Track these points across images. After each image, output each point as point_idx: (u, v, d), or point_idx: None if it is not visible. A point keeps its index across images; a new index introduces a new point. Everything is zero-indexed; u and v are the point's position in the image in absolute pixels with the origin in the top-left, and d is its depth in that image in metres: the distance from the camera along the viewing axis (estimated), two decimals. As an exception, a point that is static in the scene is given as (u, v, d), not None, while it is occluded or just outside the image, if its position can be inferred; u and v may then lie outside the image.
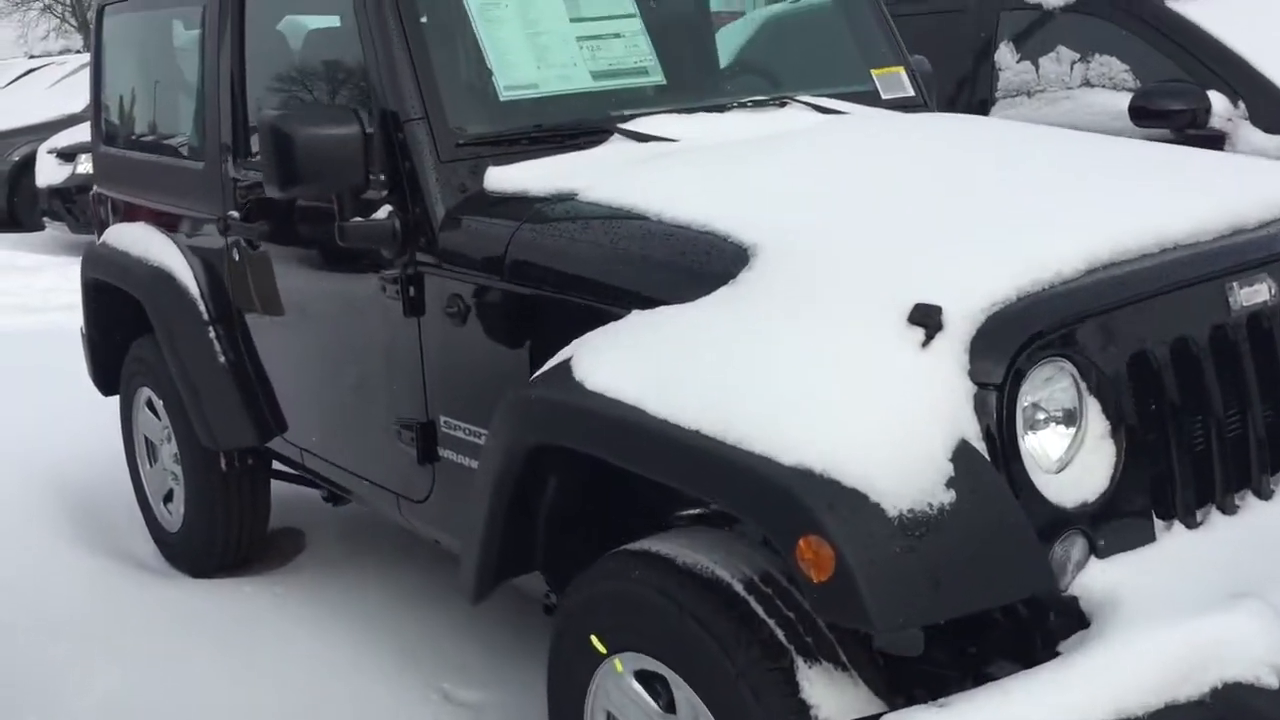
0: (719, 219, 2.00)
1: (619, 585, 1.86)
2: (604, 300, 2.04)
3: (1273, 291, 1.87)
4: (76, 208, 9.51)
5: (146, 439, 3.65)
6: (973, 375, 1.60)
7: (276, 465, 3.36)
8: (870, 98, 2.97)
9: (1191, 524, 1.75)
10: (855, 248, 1.83)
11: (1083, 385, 1.67)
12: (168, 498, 3.61)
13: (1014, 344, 1.62)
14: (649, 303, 1.94)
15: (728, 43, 3.61)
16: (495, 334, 2.27)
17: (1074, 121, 3.98)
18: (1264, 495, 1.83)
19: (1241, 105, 3.66)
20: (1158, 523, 1.72)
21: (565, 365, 1.89)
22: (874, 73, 3.04)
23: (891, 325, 1.64)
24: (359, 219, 2.42)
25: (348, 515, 3.68)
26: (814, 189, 2.09)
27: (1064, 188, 2.03)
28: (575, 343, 1.97)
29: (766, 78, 3.12)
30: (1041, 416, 1.67)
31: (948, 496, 1.50)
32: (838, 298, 1.72)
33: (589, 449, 1.80)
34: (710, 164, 2.31)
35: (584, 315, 2.05)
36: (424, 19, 2.48)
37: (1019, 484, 1.60)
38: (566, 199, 2.26)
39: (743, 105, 2.71)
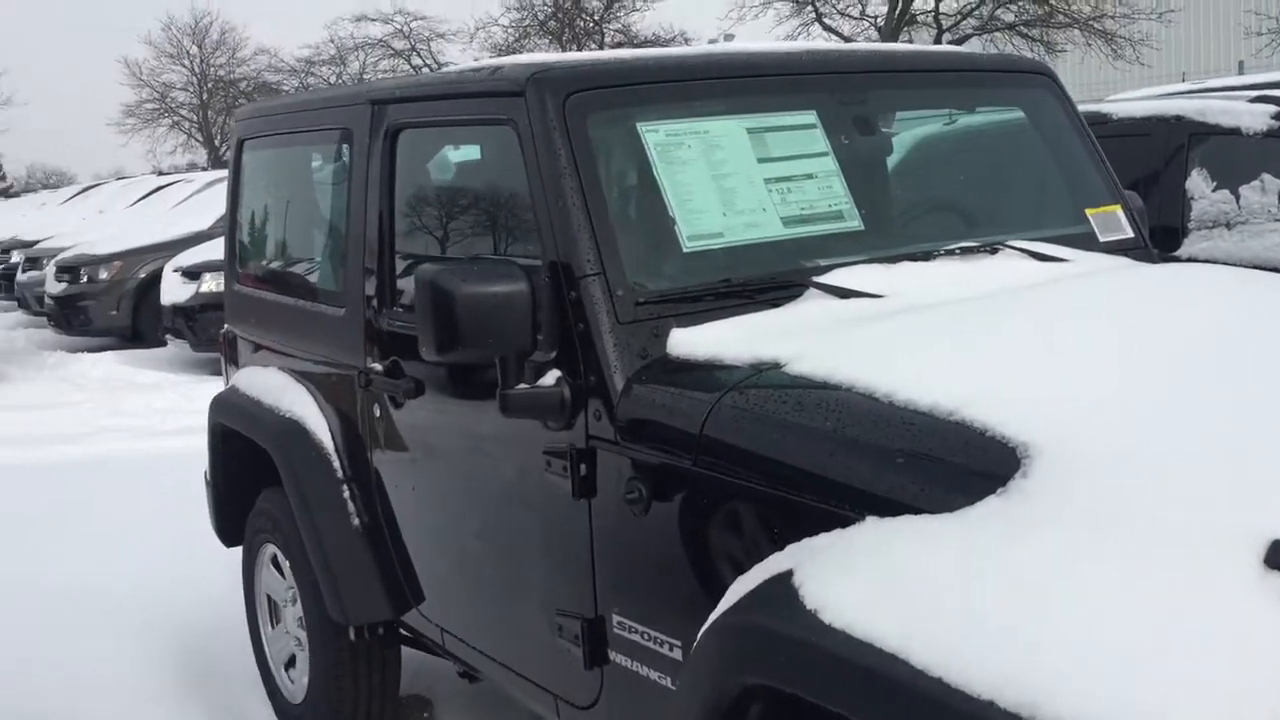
0: (970, 404, 1.66)
1: None
2: (828, 500, 1.70)
3: None
4: (198, 325, 9.57)
5: (270, 598, 3.39)
6: (1363, 641, 1.22)
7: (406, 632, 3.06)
8: (1084, 241, 2.63)
9: None
10: (1163, 452, 1.47)
11: None
12: (290, 663, 3.32)
13: None
14: (888, 507, 1.60)
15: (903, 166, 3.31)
16: (685, 526, 1.95)
17: (1285, 256, 3.59)
18: None
19: None
20: None
21: (789, 585, 1.55)
22: (1089, 212, 2.70)
23: (1240, 569, 1.27)
24: (524, 386, 2.14)
25: (479, 689, 3.35)
26: (1081, 367, 1.74)
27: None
28: (795, 552, 1.63)
29: (961, 217, 2.80)
30: None
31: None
32: (1155, 524, 1.36)
33: (833, 706, 1.44)
34: (936, 329, 1.98)
35: (801, 515, 1.72)
36: (601, 163, 2.22)
37: None
38: (770, 369, 1.95)
39: (950, 253, 2.38)
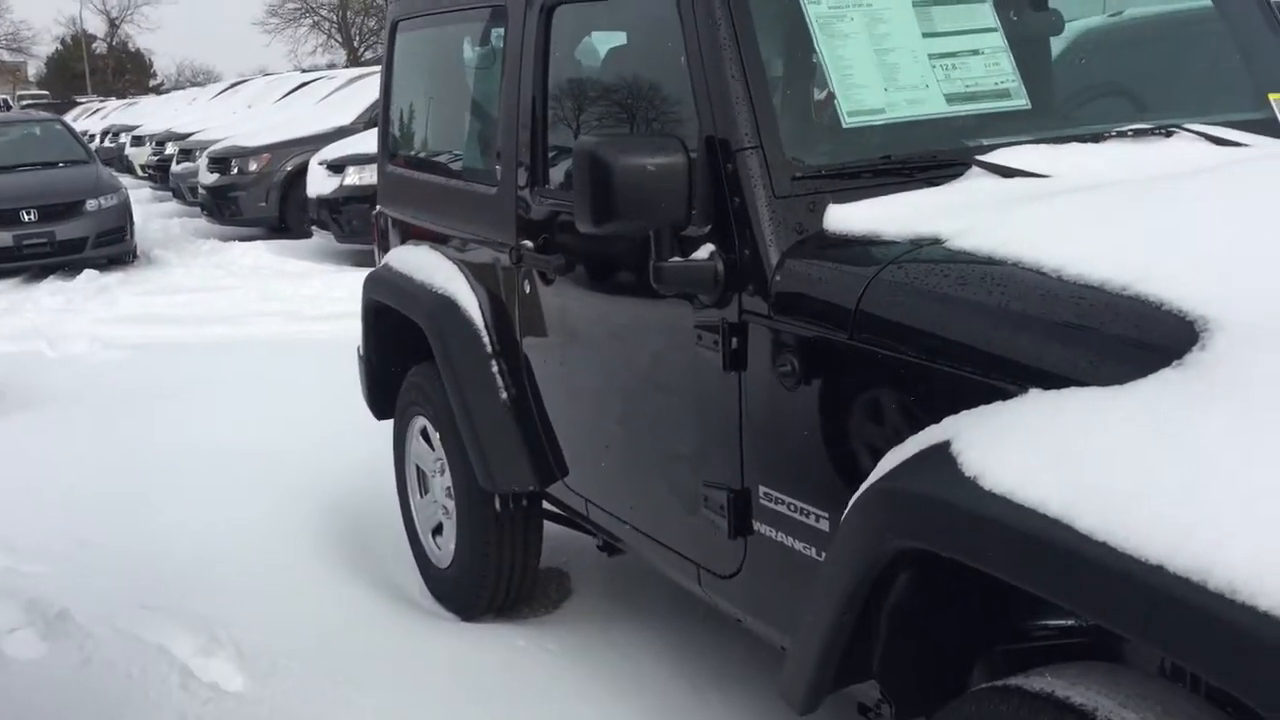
0: (1145, 279, 1.61)
1: (1006, 732, 1.49)
2: (989, 373, 1.67)
3: None
4: (342, 217, 9.84)
5: (419, 469, 3.52)
6: None
7: (549, 506, 3.15)
8: (1265, 127, 2.49)
9: None
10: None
11: None
12: (437, 530, 3.46)
13: None
14: (1053, 380, 1.57)
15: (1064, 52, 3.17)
16: (837, 399, 1.95)
17: None
18: None
19: None
20: None
21: (947, 453, 1.55)
22: (1272, 98, 2.55)
23: None
24: (678, 259, 2.15)
25: (617, 562, 3.44)
26: (1257, 245, 1.66)
27: None
28: (953, 423, 1.62)
29: (1133, 100, 2.67)
30: None
31: None
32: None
33: (994, 569, 1.44)
34: (1108, 206, 1.91)
35: (959, 388, 1.70)
36: (761, 34, 2.19)
37: None
38: (931, 245, 1.91)
39: (1122, 134, 2.29)
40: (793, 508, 2.05)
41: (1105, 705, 1.41)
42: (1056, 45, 3.54)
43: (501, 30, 2.98)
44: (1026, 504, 1.39)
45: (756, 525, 2.15)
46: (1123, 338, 1.56)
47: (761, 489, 2.12)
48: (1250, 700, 1.19)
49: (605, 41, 2.92)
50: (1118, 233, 1.79)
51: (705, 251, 2.16)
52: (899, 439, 1.74)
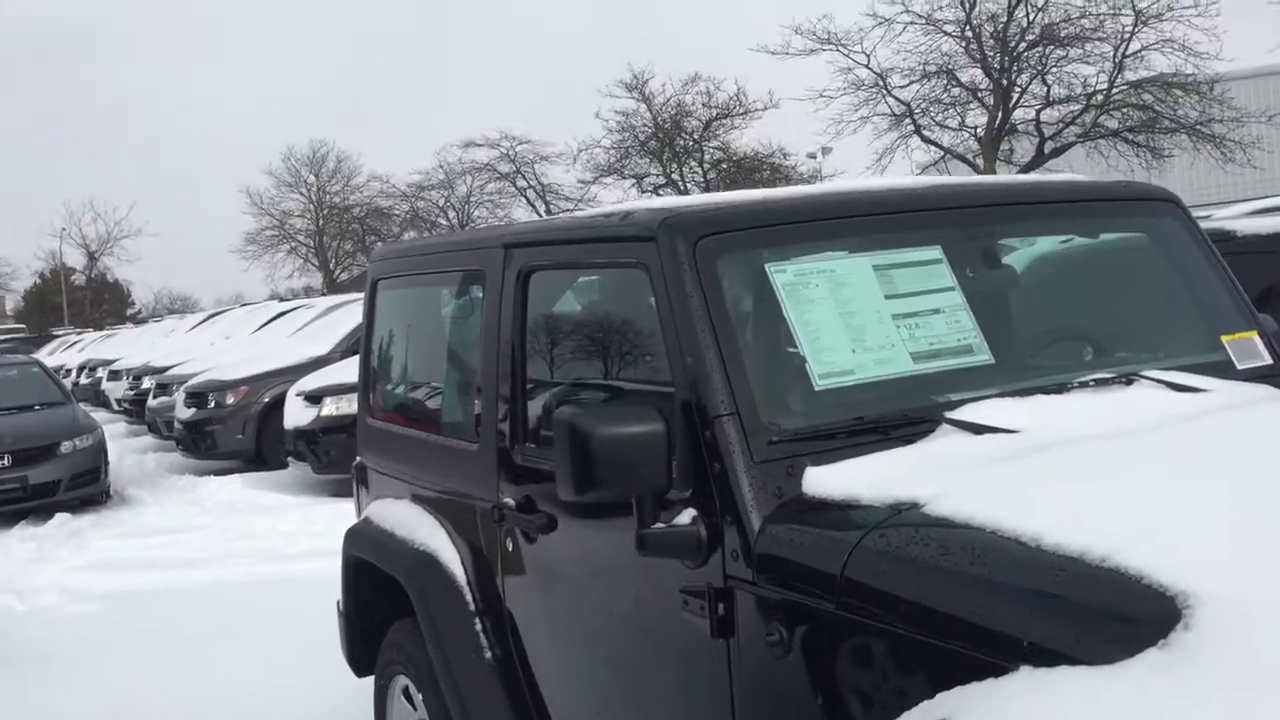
0: (1122, 550, 1.63)
1: None
2: (976, 646, 1.68)
3: None
4: (320, 448, 9.85)
5: (400, 730, 3.42)
6: None
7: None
8: (1221, 369, 2.58)
9: None
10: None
11: None
12: (420, 797, 3.33)
13: None
14: (1041, 656, 1.57)
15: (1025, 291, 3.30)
16: (828, 669, 1.93)
17: None
18: None
19: None
20: None
21: (941, 737, 1.53)
22: (1224, 339, 2.65)
23: None
24: (660, 525, 2.17)
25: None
26: (1239, 509, 1.71)
27: None
28: (945, 700, 1.61)
29: (1090, 344, 2.77)
30: None
31: None
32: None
33: None
34: (1080, 467, 1.96)
35: (949, 661, 1.70)
36: (731, 304, 2.28)
37: None
38: (910, 510, 1.94)
39: (1084, 384, 2.37)
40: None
41: None
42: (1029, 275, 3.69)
43: (480, 290, 3.08)
44: (1028, 797, 1.38)
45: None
46: (1106, 613, 1.58)
47: (761, 761, 2.08)
48: None
49: (583, 301, 3.03)
50: (1092, 497, 1.83)
51: (687, 516, 2.18)
52: (892, 711, 1.73)
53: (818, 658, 1.95)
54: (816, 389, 2.25)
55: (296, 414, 10.14)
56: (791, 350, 2.28)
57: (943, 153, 24.24)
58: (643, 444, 2.12)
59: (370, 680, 3.60)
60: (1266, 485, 1.78)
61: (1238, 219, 5.16)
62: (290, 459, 10.28)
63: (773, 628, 2.01)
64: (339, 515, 7.85)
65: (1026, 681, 1.54)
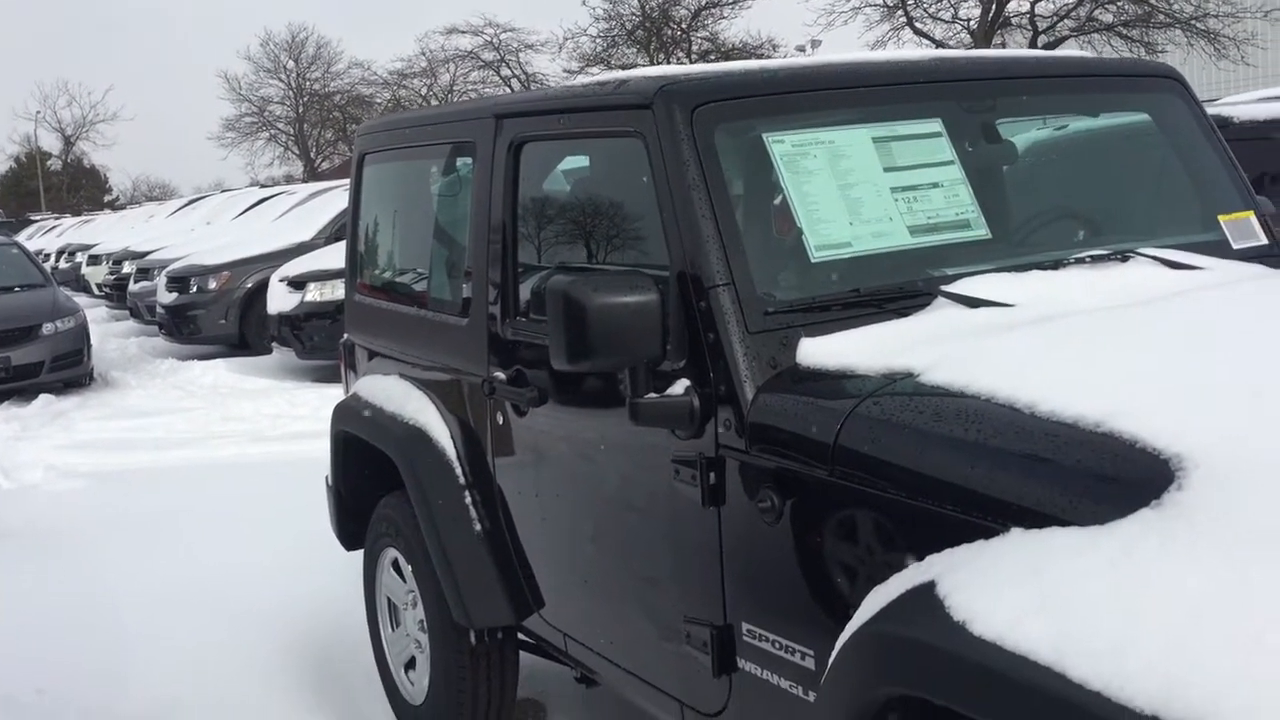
0: (1117, 415, 1.64)
1: None
2: (967, 510, 1.69)
3: None
4: (304, 333, 9.82)
5: (390, 601, 3.47)
6: None
7: (524, 637, 3.10)
8: (1217, 248, 2.57)
9: None
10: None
11: None
12: (409, 665, 3.39)
13: None
14: (1032, 518, 1.59)
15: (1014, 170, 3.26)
16: (818, 535, 1.95)
17: None
18: None
19: None
20: None
21: (933, 595, 1.55)
22: (1222, 219, 2.64)
23: None
24: (653, 395, 2.17)
25: (596, 694, 3.38)
26: (1231, 377, 1.70)
27: None
28: (935, 562, 1.63)
29: (1087, 224, 2.75)
30: None
31: None
32: (1324, 538, 1.33)
33: (984, 717, 1.44)
34: (1074, 337, 1.96)
35: (941, 526, 1.71)
36: (728, 173, 2.24)
37: None
38: (904, 378, 1.94)
39: (1080, 261, 2.35)
40: (778, 645, 2.03)
41: None
42: (1029, 158, 3.65)
43: (469, 161, 3.03)
44: (1017, 651, 1.40)
45: (741, 662, 2.13)
46: (1099, 475, 1.59)
47: (745, 625, 2.11)
48: None
49: (575, 174, 2.98)
50: (1088, 366, 1.83)
51: (680, 387, 2.18)
52: (882, 576, 1.74)
53: (809, 525, 1.96)
54: (813, 261, 2.23)
55: (280, 299, 10.08)
56: (789, 222, 2.25)
57: (935, 46, 23.86)
58: (637, 313, 2.10)
59: (359, 554, 3.64)
60: (1261, 356, 1.78)
61: (1235, 105, 5.10)
62: (274, 345, 10.25)
63: (764, 495, 2.02)
64: (324, 399, 7.87)
65: (1017, 542, 1.56)
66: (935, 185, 2.40)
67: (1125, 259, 2.38)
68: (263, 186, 22.56)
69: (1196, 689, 1.24)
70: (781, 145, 2.31)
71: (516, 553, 2.90)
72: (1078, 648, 1.35)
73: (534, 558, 2.85)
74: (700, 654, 2.20)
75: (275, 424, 7.98)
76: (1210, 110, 4.46)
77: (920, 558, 1.69)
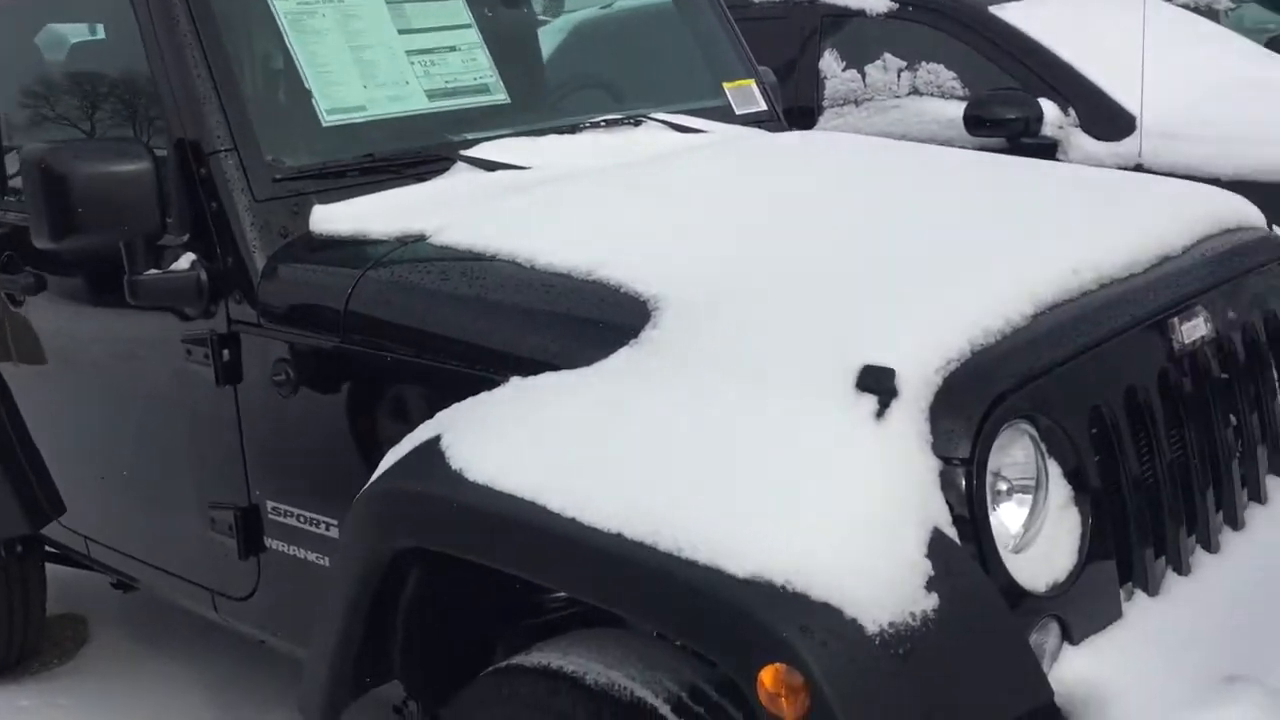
0: (606, 264, 1.72)
1: (513, 712, 1.54)
2: (472, 364, 1.72)
3: (1208, 326, 1.74)
4: None
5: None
6: (936, 448, 1.38)
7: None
8: (722, 113, 2.75)
9: (1154, 589, 1.58)
10: (777, 298, 1.59)
11: (1043, 449, 1.48)
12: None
13: (979, 408, 1.41)
14: (530, 366, 1.64)
15: (558, 49, 3.33)
16: (335, 405, 1.91)
17: (905, 131, 3.91)
18: (1212, 548, 1.69)
19: (1072, 112, 3.64)
20: (1120, 592, 1.55)
21: (436, 449, 1.57)
22: (726, 86, 2.82)
23: (837, 393, 1.40)
24: (154, 271, 2.02)
25: (136, 599, 3.19)
26: (710, 227, 1.84)
27: (982, 218, 1.84)
28: (441, 418, 1.65)
29: (609, 92, 2.85)
30: (1004, 488, 1.46)
31: (930, 603, 1.27)
32: (768, 361, 1.47)
33: (480, 558, 1.48)
34: (578, 197, 2.03)
35: (447, 382, 1.73)
36: (226, 31, 2.09)
37: (992, 568, 1.38)
38: (416, 242, 1.93)
39: (596, 125, 2.43)
40: (302, 519, 1.99)
41: (594, 669, 1.49)
42: (551, 39, 3.72)
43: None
44: (505, 491, 1.44)
45: (268, 542, 2.07)
46: (588, 320, 1.66)
47: (270, 504, 2.05)
48: (709, 652, 1.31)
49: (71, 34, 2.68)
50: (586, 222, 1.90)
51: (186, 261, 2.04)
52: (399, 438, 1.74)
53: (326, 394, 1.92)
54: (324, 125, 2.14)
55: None
56: (297, 85, 2.14)
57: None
58: (128, 182, 1.93)
59: None
60: (735, 206, 1.94)
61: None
62: None
63: (279, 369, 1.95)
64: None
65: (513, 390, 1.60)
66: (453, 49, 2.37)
67: (638, 123, 2.49)
68: None
69: (654, 506, 1.33)
70: (285, 3, 2.18)
71: (28, 455, 2.64)
72: (558, 481, 1.42)
73: (49, 460, 2.61)
74: (227, 538, 2.11)
75: None
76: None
77: (432, 416, 1.70)
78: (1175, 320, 1.68)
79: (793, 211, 1.91)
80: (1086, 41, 3.77)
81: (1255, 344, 1.83)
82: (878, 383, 1.39)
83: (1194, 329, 1.70)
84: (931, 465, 1.37)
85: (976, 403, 1.41)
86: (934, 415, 1.39)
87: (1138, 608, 1.55)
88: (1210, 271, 1.79)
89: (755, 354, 1.48)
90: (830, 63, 4.19)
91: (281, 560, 2.04)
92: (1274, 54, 4.42)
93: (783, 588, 1.23)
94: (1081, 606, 1.47)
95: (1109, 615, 1.51)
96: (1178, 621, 1.55)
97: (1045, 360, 1.50)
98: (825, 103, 4.17)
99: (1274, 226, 2.09)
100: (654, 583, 1.29)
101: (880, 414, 1.37)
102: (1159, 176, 2.21)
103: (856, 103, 4.11)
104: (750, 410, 1.41)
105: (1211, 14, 5.87)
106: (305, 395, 1.93)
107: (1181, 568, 1.63)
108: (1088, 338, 1.56)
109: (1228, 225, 1.94)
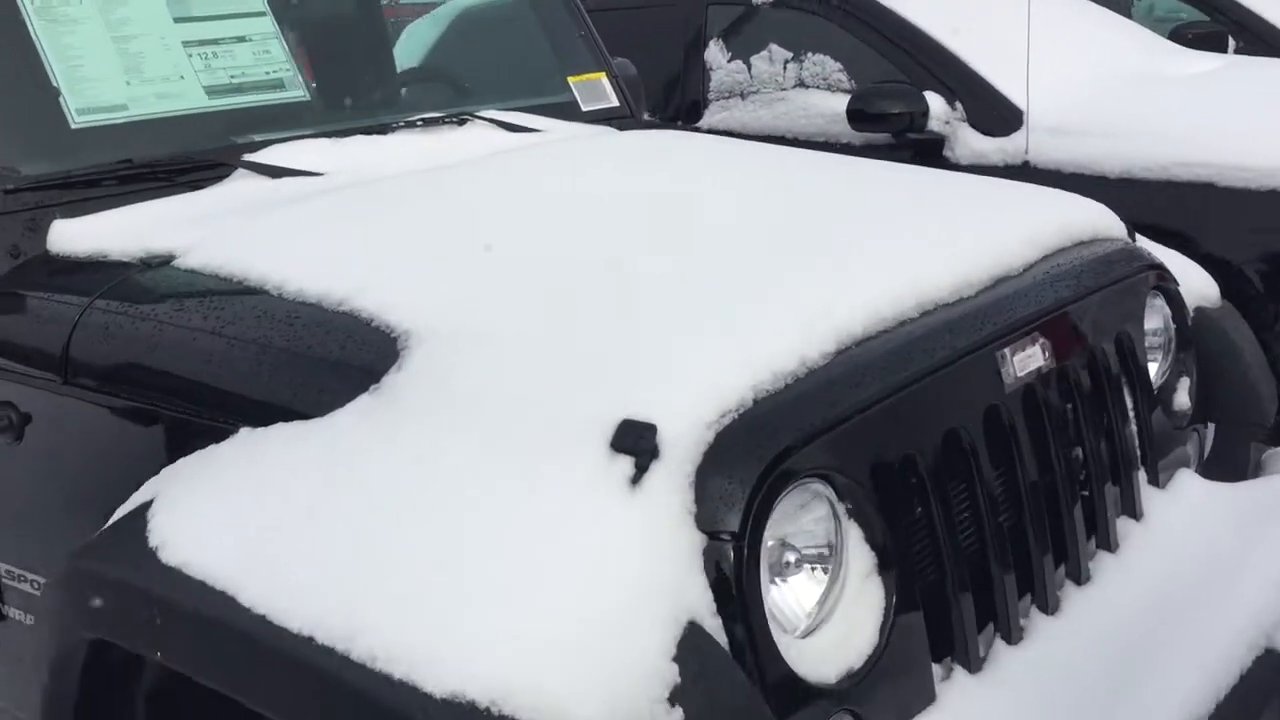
0: (363, 291, 1.48)
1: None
2: (202, 412, 1.47)
3: (1046, 356, 1.53)
4: None
5: None
6: (700, 521, 1.16)
7: None
8: (570, 109, 2.52)
9: (976, 665, 1.38)
10: (543, 333, 1.36)
11: (841, 511, 1.27)
12: None
13: (755, 468, 1.18)
14: (264, 414, 1.40)
15: (412, 45, 3.07)
16: (61, 454, 1.65)
17: (790, 125, 3.71)
18: (1049, 609, 1.49)
19: (959, 107, 3.44)
20: (935, 671, 1.34)
21: (142, 519, 1.32)
22: (571, 80, 2.58)
23: (588, 455, 1.17)
24: None
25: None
26: (499, 245, 1.59)
27: (801, 236, 1.61)
28: (159, 478, 1.40)
29: (448, 88, 2.61)
30: (792, 559, 1.25)
31: (673, 719, 1.04)
32: (514, 415, 1.23)
33: (165, 659, 1.23)
34: (357, 210, 1.78)
35: (179, 432, 1.49)
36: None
37: (766, 663, 1.17)
38: (160, 265, 1.67)
39: (411, 125, 2.18)
40: (35, 585, 1.73)
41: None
42: (428, 31, 3.45)
43: None
44: (196, 577, 1.20)
45: (6, 610, 1.81)
46: (329, 361, 1.42)
47: (3, 566, 1.78)
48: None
49: None
50: (353, 241, 1.66)
51: (-106, 285, 1.77)
52: (127, 495, 1.49)
53: (51, 442, 1.66)
54: (74, 126, 1.88)
55: None
56: (41, 81, 1.87)
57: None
58: None
59: None
60: (533, 219, 1.70)
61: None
62: None
63: (2, 414, 1.68)
64: None
65: (240, 444, 1.36)
66: (242, 39, 2.11)
67: (462, 122, 2.25)
68: None
69: (359, 597, 1.10)
70: (32, -13, 1.91)
71: None
72: (255, 567, 1.18)
73: None
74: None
75: None
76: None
77: (159, 471, 1.46)
78: (1006, 351, 1.47)
79: (596, 225, 1.68)
80: (976, 32, 3.57)
81: (1106, 373, 1.63)
82: (635, 442, 1.16)
83: (1028, 360, 1.49)
84: (693, 541, 1.15)
85: (753, 462, 1.18)
86: (701, 479, 1.17)
87: (956, 688, 1.34)
88: (1054, 292, 1.59)
89: (500, 405, 1.24)
90: (716, 54, 3.96)
91: (15, 629, 1.78)
92: (1175, 45, 4.26)
93: (486, 711, 1.00)
94: (884, 694, 1.26)
95: (921, 699, 1.30)
96: (1004, 702, 1.35)
97: (846, 405, 1.28)
98: (711, 95, 3.94)
99: (1135, 236, 1.89)
100: (342, 703, 1.06)
101: (636, 479, 1.15)
102: (1010, 182, 1.99)
103: (742, 95, 3.88)
104: (482, 477, 1.17)
105: (1123, 2, 5.73)
106: (30, 443, 1.67)
107: (1011, 636, 1.43)
108: (900, 376, 1.34)
109: (1079, 237, 1.74)
